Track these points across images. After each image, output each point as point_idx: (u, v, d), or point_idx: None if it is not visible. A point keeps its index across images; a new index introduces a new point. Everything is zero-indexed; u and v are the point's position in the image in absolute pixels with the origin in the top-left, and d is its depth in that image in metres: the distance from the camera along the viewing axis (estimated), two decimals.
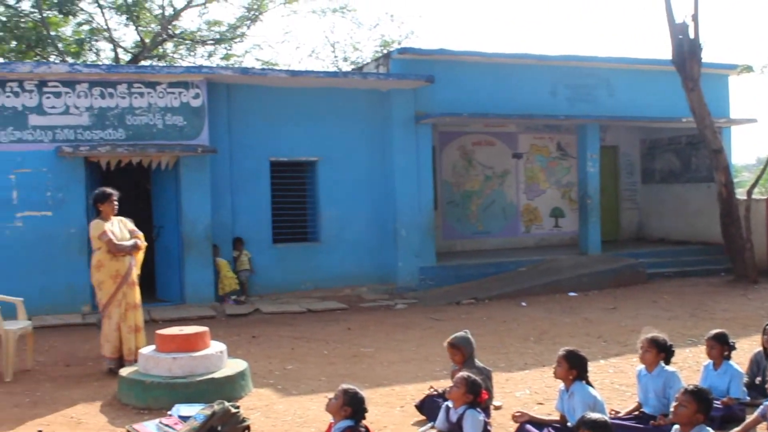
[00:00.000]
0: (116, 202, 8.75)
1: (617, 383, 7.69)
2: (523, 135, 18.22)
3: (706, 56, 15.08)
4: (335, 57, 31.31)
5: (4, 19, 23.95)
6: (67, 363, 9.26)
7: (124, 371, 7.61)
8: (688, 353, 8.95)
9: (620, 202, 19.52)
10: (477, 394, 5.65)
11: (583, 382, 5.79)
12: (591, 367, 6.17)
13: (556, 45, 61.04)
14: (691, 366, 8.23)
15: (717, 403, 6.08)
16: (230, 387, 7.33)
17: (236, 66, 26.30)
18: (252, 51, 30.72)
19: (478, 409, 5.65)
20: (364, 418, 5.35)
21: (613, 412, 6.22)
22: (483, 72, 15.81)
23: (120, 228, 8.72)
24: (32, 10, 23.98)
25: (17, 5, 24.18)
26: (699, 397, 4.86)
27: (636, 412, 6.23)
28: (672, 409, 4.97)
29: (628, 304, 12.85)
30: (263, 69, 18.01)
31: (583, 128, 16.20)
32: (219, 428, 5.96)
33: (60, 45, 24.56)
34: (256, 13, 26.62)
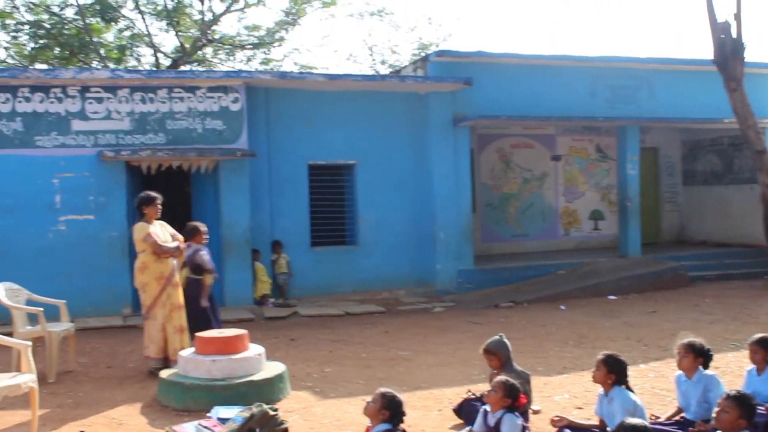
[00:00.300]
0: (160, 206, 8.86)
1: (657, 388, 7.59)
2: (562, 137, 18.11)
3: (749, 56, 14.90)
4: (373, 60, 31.43)
5: (48, 26, 24.39)
6: (108, 365, 9.39)
7: (164, 373, 7.69)
8: (730, 358, 8.81)
9: (661, 204, 19.30)
10: (515, 398, 5.61)
11: (623, 386, 5.73)
12: (631, 371, 6.11)
13: (595, 46, 60.48)
14: (733, 371, 8.10)
15: (761, 409, 5.95)
16: (268, 389, 7.37)
17: (275, 70, 26.46)
18: (290, 55, 31.04)
19: (517, 414, 5.61)
20: (402, 421, 5.34)
21: (653, 417, 6.14)
22: (521, 74, 15.72)
23: (162, 231, 8.83)
24: (75, 17, 24.38)
25: (61, 13, 24.62)
26: (742, 402, 4.77)
27: (676, 417, 6.14)
28: (714, 415, 4.89)
29: (669, 307, 12.69)
30: (301, 73, 18.13)
31: (623, 130, 16.05)
32: (257, 430, 6.00)
33: (102, 51, 24.92)
34: (295, 18, 26.78)
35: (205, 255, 9.27)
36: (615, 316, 12.06)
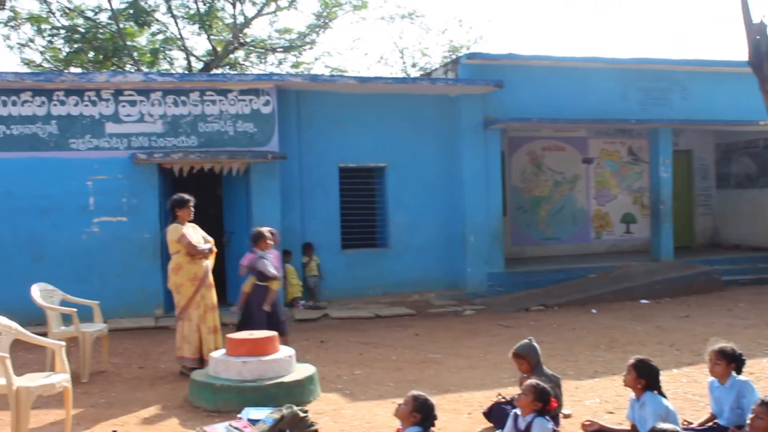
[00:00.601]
0: (193, 208, 8.93)
1: (690, 393, 7.52)
2: (594, 140, 17.98)
3: None
4: (404, 63, 31.48)
5: (83, 30, 24.70)
6: (140, 365, 9.49)
7: (196, 374, 7.74)
8: (765, 363, 8.69)
9: (694, 207, 19.09)
10: (546, 402, 5.58)
11: (655, 392, 5.68)
12: (663, 376, 6.05)
13: (627, 47, 60.06)
14: None
15: None
16: (299, 391, 7.40)
17: (306, 73, 26.59)
18: (321, 58, 31.09)
19: (547, 417, 5.58)
20: (433, 425, 5.33)
21: (685, 423, 6.08)
22: (552, 76, 15.65)
23: (194, 233, 8.90)
24: (109, 21, 24.67)
25: (96, 17, 24.93)
26: None
27: (709, 424, 6.07)
28: (748, 421, 4.83)
29: (702, 312, 12.55)
30: (332, 76, 18.19)
31: (656, 132, 15.91)
32: None
33: (135, 55, 25.18)
34: (326, 21, 26.87)
35: (267, 262, 9.17)
36: (647, 320, 11.96)
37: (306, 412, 6.32)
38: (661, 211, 15.85)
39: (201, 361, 8.65)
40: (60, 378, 6.42)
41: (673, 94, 16.62)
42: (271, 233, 9.48)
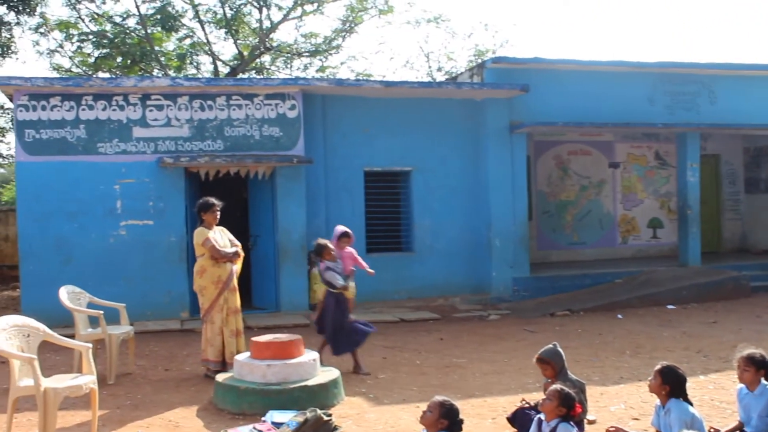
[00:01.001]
0: (218, 212, 8.98)
1: (717, 400, 7.44)
2: (620, 144, 17.88)
3: None
4: (429, 67, 31.47)
5: (111, 36, 24.95)
6: (166, 367, 9.55)
7: (220, 377, 7.78)
8: None
9: (722, 212, 18.90)
10: (570, 408, 5.55)
11: (681, 398, 5.62)
12: (690, 382, 6.00)
13: (654, 51, 59.69)
14: None
15: None
16: (323, 395, 7.41)
17: (331, 77, 26.67)
18: (347, 62, 31.15)
19: (571, 423, 5.54)
20: (461, 430, 5.32)
21: (712, 430, 6.01)
22: (579, 80, 15.57)
23: (221, 236, 8.96)
24: (137, 27, 24.90)
25: (124, 23, 25.18)
26: None
27: (737, 431, 6.01)
28: None
29: (730, 318, 12.43)
30: (358, 80, 18.21)
31: (683, 137, 15.76)
32: None
33: (162, 59, 25.40)
34: (352, 25, 26.94)
35: (333, 273, 9.11)
36: (673, 326, 11.86)
37: (330, 415, 6.34)
38: (688, 216, 15.71)
39: (224, 364, 8.70)
40: (87, 379, 6.49)
41: (700, 97, 16.47)
42: (346, 234, 9.59)
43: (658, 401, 5.76)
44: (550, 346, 6.58)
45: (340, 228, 9.76)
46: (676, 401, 5.59)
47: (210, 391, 7.93)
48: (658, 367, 5.73)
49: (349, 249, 9.71)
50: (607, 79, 15.78)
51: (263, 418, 6.70)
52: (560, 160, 17.40)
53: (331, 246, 9.22)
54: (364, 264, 9.89)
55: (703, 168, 16.77)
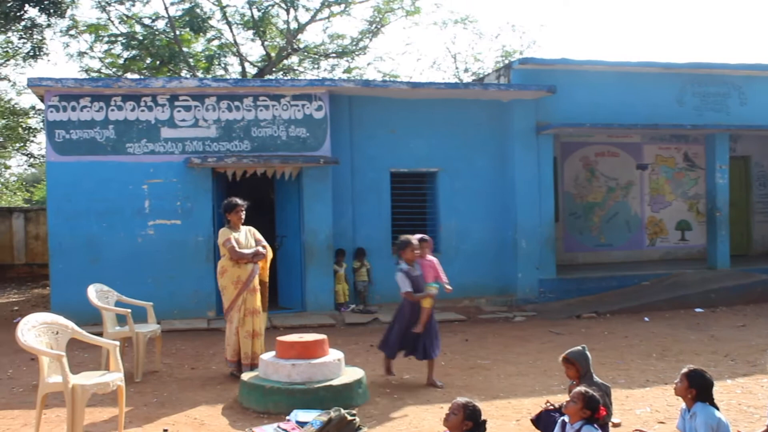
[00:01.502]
0: (243, 213, 9.02)
1: (745, 404, 7.36)
2: (648, 145, 17.75)
3: None
4: (456, 68, 31.43)
5: (140, 37, 25.19)
6: (192, 366, 9.63)
7: (246, 376, 7.83)
8: None
9: (752, 214, 18.70)
10: (595, 410, 5.52)
11: (707, 402, 5.57)
12: (717, 386, 5.95)
13: (683, 52, 59.21)
14: None
15: None
16: (347, 394, 7.44)
17: (358, 78, 26.71)
18: (374, 63, 31.20)
19: (596, 426, 5.52)
20: (485, 431, 5.32)
21: None
22: (606, 81, 15.47)
23: (246, 236, 8.97)
24: (166, 28, 25.11)
25: (153, 24, 25.42)
26: None
27: None
28: None
29: (759, 321, 12.29)
30: (384, 81, 18.21)
31: (712, 138, 15.61)
32: None
33: (191, 61, 25.58)
34: (378, 26, 26.96)
35: (402, 277, 8.47)
36: (701, 329, 11.75)
37: (354, 415, 6.36)
38: (717, 218, 15.55)
39: (239, 364, 8.74)
40: (114, 377, 6.56)
41: (730, 98, 16.30)
42: (423, 239, 8.82)
43: (684, 405, 5.72)
44: (578, 347, 6.55)
45: (417, 236, 8.87)
46: (702, 405, 5.54)
47: (235, 389, 8.00)
48: (685, 370, 5.68)
49: (431, 258, 8.90)
50: (635, 80, 15.67)
51: (288, 417, 6.75)
52: (587, 162, 17.31)
53: (415, 243, 8.56)
54: (445, 278, 9.00)
55: (733, 170, 16.60)
